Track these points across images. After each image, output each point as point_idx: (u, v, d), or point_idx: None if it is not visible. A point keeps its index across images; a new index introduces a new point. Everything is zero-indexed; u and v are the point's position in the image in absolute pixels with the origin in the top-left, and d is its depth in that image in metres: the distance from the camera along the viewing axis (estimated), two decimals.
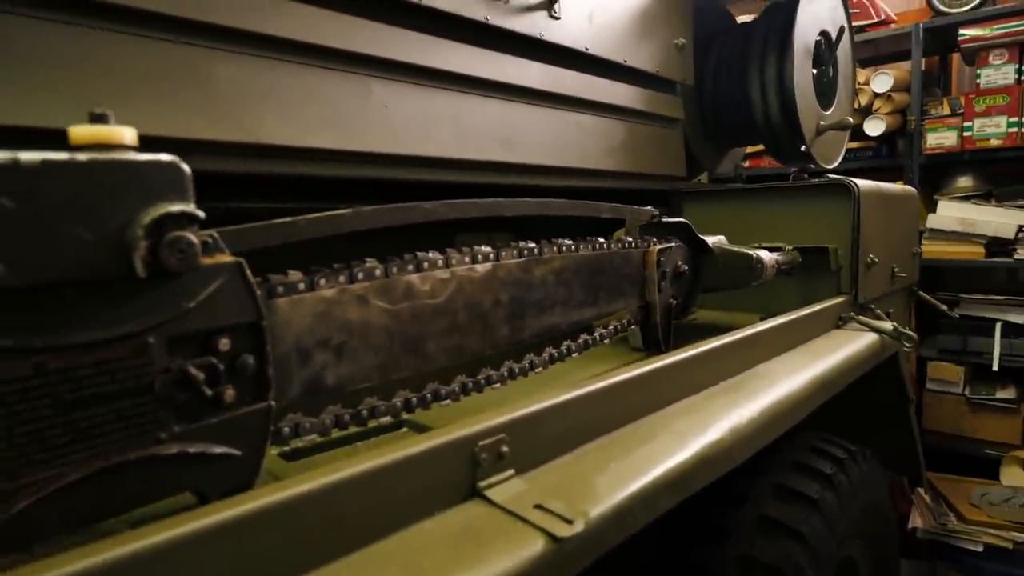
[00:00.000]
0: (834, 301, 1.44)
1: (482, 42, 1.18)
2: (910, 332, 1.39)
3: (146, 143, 0.79)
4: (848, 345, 1.27)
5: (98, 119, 0.49)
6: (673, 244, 1.22)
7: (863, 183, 1.52)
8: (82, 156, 0.45)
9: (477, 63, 1.17)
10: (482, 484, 0.61)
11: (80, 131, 0.48)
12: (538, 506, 0.58)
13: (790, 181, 1.91)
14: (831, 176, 1.56)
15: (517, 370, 0.89)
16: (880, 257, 1.61)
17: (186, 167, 0.50)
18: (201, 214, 0.50)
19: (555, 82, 1.33)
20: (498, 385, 0.86)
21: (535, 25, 1.26)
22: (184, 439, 0.52)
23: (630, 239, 1.14)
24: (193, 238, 0.49)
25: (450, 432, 0.60)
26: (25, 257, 0.42)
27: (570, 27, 1.34)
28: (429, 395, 0.77)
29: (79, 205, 0.44)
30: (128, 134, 0.50)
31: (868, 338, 1.35)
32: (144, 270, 0.46)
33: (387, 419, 0.72)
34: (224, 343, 0.54)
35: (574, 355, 1.00)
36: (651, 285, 1.17)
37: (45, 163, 0.43)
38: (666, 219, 1.24)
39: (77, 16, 0.74)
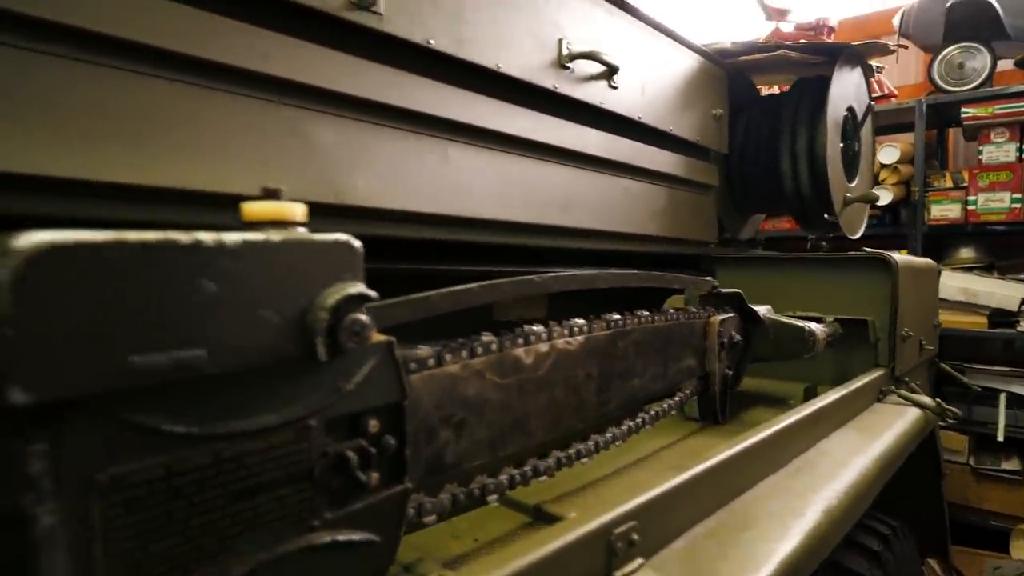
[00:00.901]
0: (875, 374, 1.45)
1: (549, 109, 1.19)
2: (952, 408, 1.39)
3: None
4: (899, 421, 1.27)
5: (271, 195, 0.48)
6: (730, 314, 1.22)
7: (899, 257, 1.55)
8: (276, 236, 0.43)
9: (544, 129, 1.18)
10: (617, 575, 0.59)
11: (254, 208, 0.47)
12: None
13: (808, 248, 1.95)
14: (867, 250, 1.58)
15: (601, 443, 0.88)
16: (912, 330, 1.63)
17: (358, 245, 0.49)
18: (374, 294, 0.48)
19: (610, 149, 1.35)
20: (586, 460, 0.84)
21: (596, 94, 1.29)
22: (334, 526, 0.50)
23: (693, 309, 1.14)
24: (366, 319, 0.48)
25: (585, 521, 0.58)
26: (223, 342, 0.40)
27: (626, 97, 1.36)
28: (529, 471, 0.75)
29: (269, 287, 0.43)
30: (299, 210, 0.49)
31: (913, 413, 1.35)
32: (326, 353, 0.45)
33: (494, 497, 0.70)
34: (373, 424, 0.52)
35: (647, 427, 0.98)
36: (711, 355, 1.17)
37: (246, 244, 0.41)
38: (722, 290, 1.24)
39: (187, 76, 0.73)
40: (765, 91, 2.23)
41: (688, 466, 0.74)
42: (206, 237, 0.40)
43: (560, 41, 1.19)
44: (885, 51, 1.85)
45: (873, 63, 1.99)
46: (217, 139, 0.75)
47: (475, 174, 1.07)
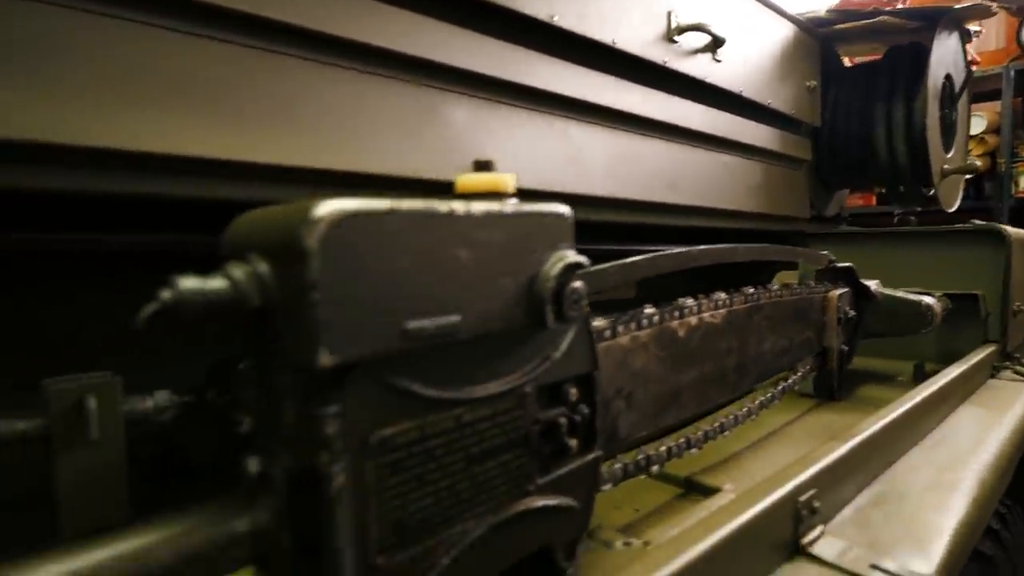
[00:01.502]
0: (988, 350, 1.40)
1: (656, 84, 1.18)
2: None
3: (388, 182, 0.80)
4: (1021, 397, 1.23)
5: (483, 167, 0.49)
6: (845, 289, 1.20)
7: (1011, 229, 1.49)
8: (508, 207, 0.44)
9: (653, 105, 1.17)
10: (804, 541, 0.59)
11: (470, 180, 0.48)
12: (874, 566, 0.56)
13: (895, 223, 1.89)
14: (976, 222, 1.53)
15: (740, 416, 0.87)
16: (1023, 304, 1.57)
17: (570, 214, 0.50)
18: (587, 261, 0.49)
19: (712, 124, 1.33)
20: (727, 433, 0.84)
21: (701, 68, 1.27)
22: (544, 492, 0.51)
23: (812, 283, 1.13)
24: (582, 287, 0.48)
25: (771, 488, 0.58)
26: (473, 309, 0.41)
27: (729, 70, 1.34)
28: (684, 442, 0.75)
29: (506, 255, 0.44)
30: (511, 181, 0.49)
31: None
32: (553, 320, 0.46)
33: (656, 468, 0.70)
34: (573, 392, 0.53)
35: (776, 401, 0.97)
36: (830, 331, 1.15)
37: (488, 214, 0.42)
38: (836, 264, 1.22)
39: (333, 57, 0.75)
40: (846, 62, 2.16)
41: (846, 437, 0.73)
42: (458, 206, 0.41)
43: (669, 14, 1.18)
44: (986, 14, 1.78)
45: (971, 28, 1.91)
46: (359, 121, 0.76)
47: (592, 152, 1.07)
